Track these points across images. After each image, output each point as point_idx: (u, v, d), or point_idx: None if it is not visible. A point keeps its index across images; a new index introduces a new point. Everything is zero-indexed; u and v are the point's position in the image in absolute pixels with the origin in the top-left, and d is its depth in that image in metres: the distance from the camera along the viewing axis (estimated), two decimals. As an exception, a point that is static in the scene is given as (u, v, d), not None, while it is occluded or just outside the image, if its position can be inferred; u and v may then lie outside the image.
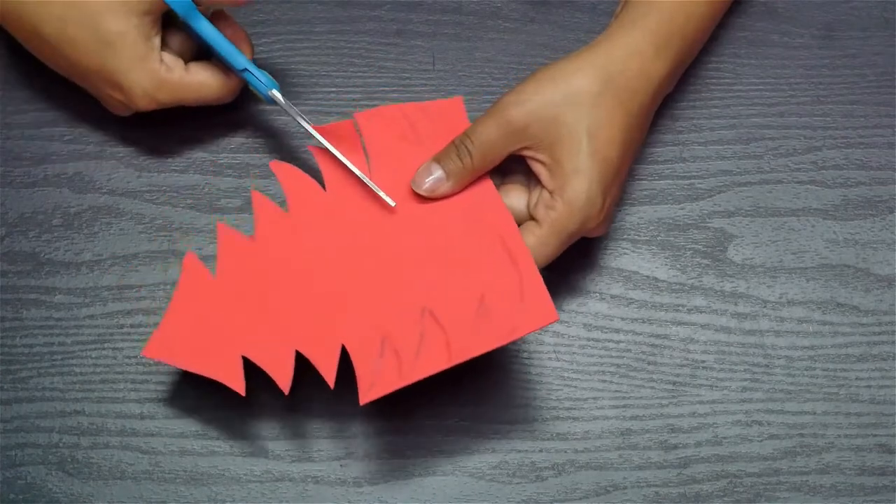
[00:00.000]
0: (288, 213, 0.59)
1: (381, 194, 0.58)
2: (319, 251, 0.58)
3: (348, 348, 0.56)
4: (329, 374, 0.56)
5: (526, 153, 0.58)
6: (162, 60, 0.61)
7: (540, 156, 0.58)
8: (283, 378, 0.56)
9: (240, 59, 0.61)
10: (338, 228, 0.59)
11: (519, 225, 0.58)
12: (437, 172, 0.59)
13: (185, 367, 0.57)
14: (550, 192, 0.58)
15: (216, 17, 0.62)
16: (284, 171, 0.60)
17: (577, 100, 0.58)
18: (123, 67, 0.60)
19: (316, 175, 0.60)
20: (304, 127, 0.60)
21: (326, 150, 0.60)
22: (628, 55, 0.59)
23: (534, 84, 0.59)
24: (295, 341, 0.57)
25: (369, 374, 0.55)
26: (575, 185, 0.57)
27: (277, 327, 0.57)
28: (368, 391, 0.55)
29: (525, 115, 0.58)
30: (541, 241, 0.57)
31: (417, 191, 0.59)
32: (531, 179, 0.60)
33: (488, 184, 0.59)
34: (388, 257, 0.58)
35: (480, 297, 0.56)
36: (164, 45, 0.62)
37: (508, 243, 0.57)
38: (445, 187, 0.59)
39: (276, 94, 0.61)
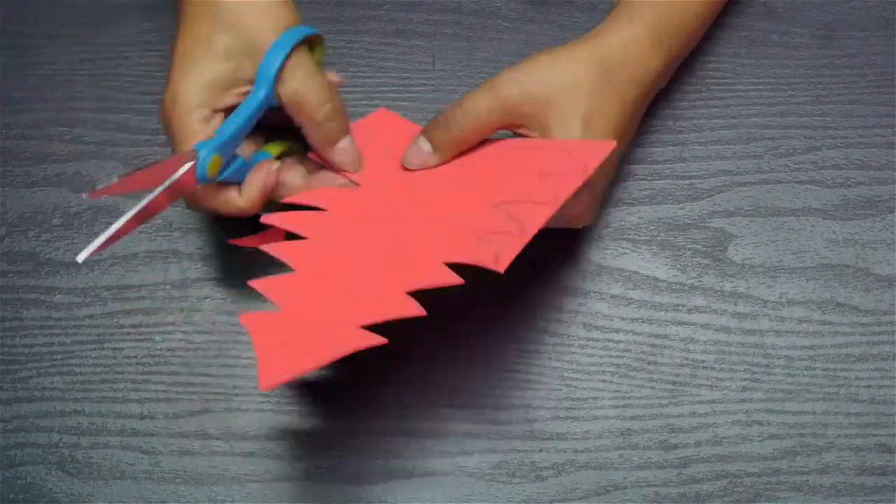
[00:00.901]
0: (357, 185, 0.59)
1: None
2: (383, 206, 0.58)
3: (452, 257, 0.52)
4: (452, 278, 0.51)
5: (519, 132, 0.58)
6: None
7: (532, 136, 0.58)
8: (411, 309, 0.51)
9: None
10: (392, 186, 0.59)
11: None
12: (426, 147, 0.59)
13: (312, 367, 0.50)
14: None
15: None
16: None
17: (574, 87, 0.57)
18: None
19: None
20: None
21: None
22: (626, 45, 0.59)
23: (531, 65, 0.58)
24: (398, 284, 0.52)
25: (490, 252, 0.52)
26: None
27: (373, 284, 0.53)
28: (496, 261, 0.51)
29: (519, 94, 0.57)
30: None
31: (408, 167, 0.59)
32: None
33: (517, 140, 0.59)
34: (444, 195, 0.58)
35: (538, 173, 0.55)
36: None
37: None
38: (433, 160, 0.59)
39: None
